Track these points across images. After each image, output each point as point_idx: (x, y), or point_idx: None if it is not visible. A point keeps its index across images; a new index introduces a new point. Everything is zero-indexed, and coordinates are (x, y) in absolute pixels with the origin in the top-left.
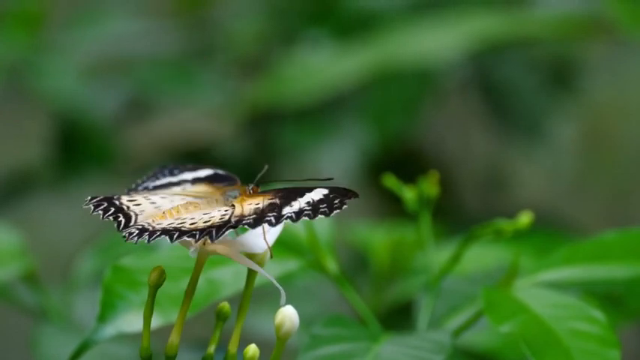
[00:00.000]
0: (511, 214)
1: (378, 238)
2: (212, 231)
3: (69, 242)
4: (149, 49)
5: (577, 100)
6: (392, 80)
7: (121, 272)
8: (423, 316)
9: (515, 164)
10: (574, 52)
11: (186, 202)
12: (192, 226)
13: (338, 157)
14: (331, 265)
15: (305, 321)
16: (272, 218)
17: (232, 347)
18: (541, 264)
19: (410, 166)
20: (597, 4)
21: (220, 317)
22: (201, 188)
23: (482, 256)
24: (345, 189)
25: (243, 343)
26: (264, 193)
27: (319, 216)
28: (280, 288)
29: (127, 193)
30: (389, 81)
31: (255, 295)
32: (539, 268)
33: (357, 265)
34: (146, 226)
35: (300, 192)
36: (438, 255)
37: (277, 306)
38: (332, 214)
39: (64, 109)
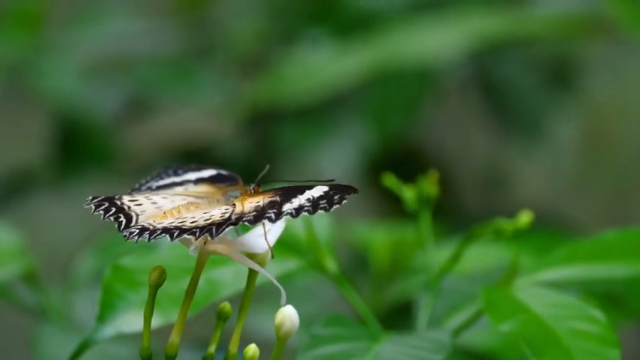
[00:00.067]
0: (511, 214)
1: (378, 237)
2: (212, 228)
3: (69, 242)
4: (149, 49)
5: (577, 99)
6: (392, 79)
7: (121, 272)
8: (422, 316)
9: (515, 163)
10: (574, 51)
11: (188, 202)
12: (193, 225)
13: (338, 156)
14: (331, 264)
15: (305, 321)
16: (272, 214)
17: (233, 347)
18: (541, 263)
19: (410, 166)
20: (597, 4)
21: (221, 317)
22: (202, 188)
23: (482, 256)
24: (345, 185)
25: (244, 342)
26: (264, 192)
27: (319, 211)
28: (281, 288)
29: (130, 193)
30: (389, 80)
31: (255, 295)
32: (539, 267)
33: (356, 265)
34: (147, 225)
35: (301, 190)
36: (438, 254)
37: (277, 306)
38: (332, 209)
39: (64, 108)
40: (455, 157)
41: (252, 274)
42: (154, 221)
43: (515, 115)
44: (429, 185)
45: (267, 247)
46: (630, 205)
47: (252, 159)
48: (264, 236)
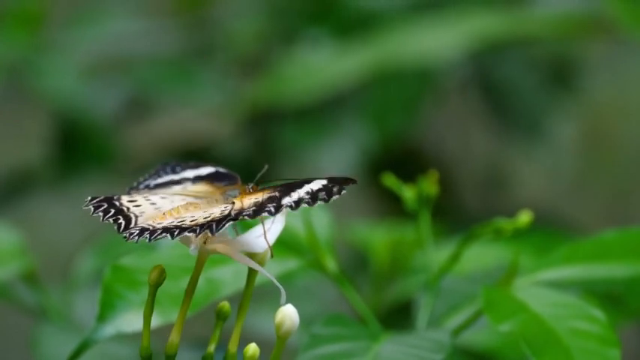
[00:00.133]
0: (511, 214)
1: (378, 237)
2: (212, 224)
3: (69, 241)
4: (149, 49)
5: (577, 99)
6: (392, 79)
7: (121, 272)
8: (422, 316)
9: (515, 163)
10: (574, 51)
11: (187, 203)
12: (193, 223)
13: (338, 156)
14: (331, 264)
15: (305, 320)
16: (271, 208)
17: (232, 346)
18: (541, 263)
19: (410, 166)
20: (597, 4)
21: (220, 316)
22: (201, 188)
23: (481, 256)
24: (343, 177)
25: (243, 342)
26: (263, 189)
27: (319, 202)
28: (280, 287)
29: (128, 192)
30: (389, 80)
31: (255, 295)
32: (539, 267)
33: (356, 265)
34: (146, 226)
35: (300, 184)
36: (438, 254)
37: (277, 305)
38: (331, 200)
39: (64, 108)
40: (455, 157)
41: (251, 273)
42: (154, 222)
43: (515, 115)
44: (429, 185)
45: (266, 246)
46: (630, 205)
47: (252, 159)
48: (263, 235)
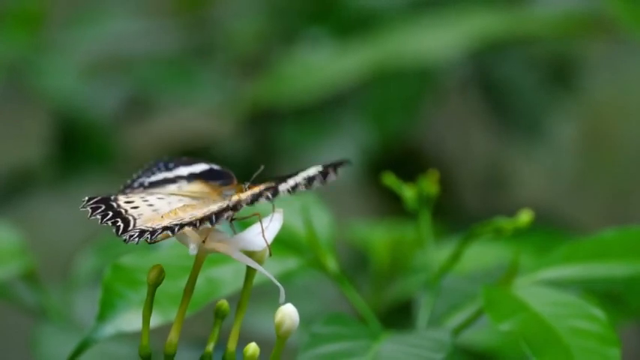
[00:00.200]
0: (511, 213)
1: (378, 236)
2: (212, 216)
3: (69, 241)
4: (149, 48)
5: (577, 98)
6: (392, 79)
7: (121, 271)
8: (422, 315)
9: (515, 163)
10: (574, 50)
11: (184, 205)
12: (192, 219)
13: (338, 155)
14: (331, 263)
15: (305, 320)
16: (269, 193)
17: (231, 345)
18: (541, 262)
19: (410, 165)
20: (597, 3)
21: (219, 315)
22: (197, 187)
23: (482, 255)
24: (337, 161)
25: (243, 341)
26: (260, 184)
27: (314, 185)
28: (279, 286)
29: (123, 191)
30: (389, 80)
31: (255, 294)
32: (539, 266)
33: (356, 264)
34: (145, 228)
35: (295, 173)
36: (438, 253)
37: (277, 304)
38: (326, 181)
39: (64, 108)
40: (455, 156)
41: (250, 271)
42: (152, 224)
43: (515, 115)
44: (429, 184)
45: (265, 244)
46: (630, 205)
47: (252, 158)
48: (261, 234)
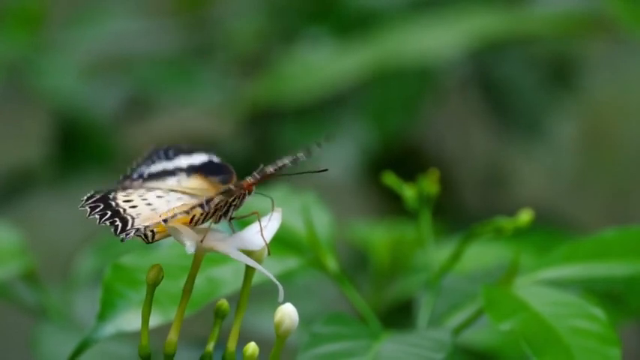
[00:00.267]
0: (511, 212)
1: (378, 236)
2: (203, 202)
3: (69, 241)
4: (149, 48)
5: (577, 98)
6: (392, 78)
7: (121, 271)
8: (423, 315)
9: (515, 162)
10: (574, 50)
11: (182, 204)
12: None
13: (338, 155)
14: (331, 263)
15: (305, 319)
16: (257, 175)
17: (231, 345)
18: (541, 262)
19: (410, 164)
20: (597, 2)
21: (219, 315)
22: (196, 183)
23: (482, 254)
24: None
25: (243, 341)
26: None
27: (301, 159)
28: (279, 285)
29: (122, 181)
30: (389, 79)
31: (255, 294)
32: (540, 266)
33: (357, 264)
34: (142, 229)
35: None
36: (438, 253)
37: (277, 304)
38: (312, 155)
39: (64, 107)
40: (455, 155)
41: (249, 271)
42: (151, 223)
43: (515, 114)
44: (429, 184)
45: (263, 243)
46: (630, 204)
47: (253, 158)
48: (260, 233)
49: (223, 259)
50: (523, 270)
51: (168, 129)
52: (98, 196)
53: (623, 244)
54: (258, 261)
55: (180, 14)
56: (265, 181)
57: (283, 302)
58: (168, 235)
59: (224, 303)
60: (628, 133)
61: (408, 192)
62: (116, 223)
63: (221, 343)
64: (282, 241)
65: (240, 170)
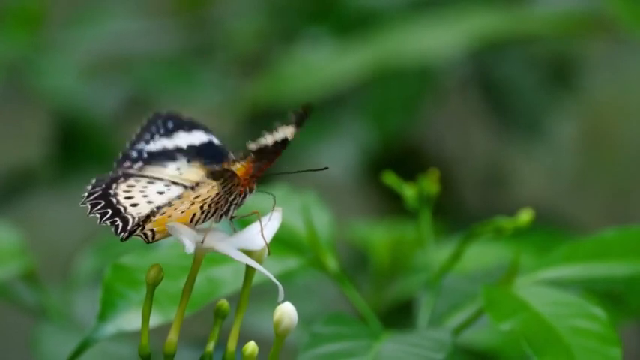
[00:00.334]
0: (511, 212)
1: (378, 236)
2: (193, 184)
3: (69, 241)
4: (149, 48)
5: (577, 98)
6: (392, 78)
7: (121, 270)
8: (423, 314)
9: (515, 162)
10: (574, 49)
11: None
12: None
13: (338, 155)
14: (331, 263)
15: (305, 319)
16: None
17: (231, 345)
18: (541, 262)
19: (410, 164)
20: (597, 2)
21: (219, 315)
22: (196, 175)
23: (482, 254)
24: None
25: (243, 340)
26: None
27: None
28: (278, 284)
29: (122, 164)
30: (389, 79)
31: (255, 293)
32: (540, 266)
33: (357, 263)
34: (137, 220)
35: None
36: (439, 253)
37: (276, 303)
38: (302, 125)
39: (64, 107)
40: (455, 155)
41: (249, 271)
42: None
43: (515, 114)
44: (430, 184)
45: (263, 243)
46: (630, 204)
47: None
48: (260, 233)
49: (223, 258)
50: (523, 270)
51: None
52: (100, 192)
53: (623, 244)
54: (259, 261)
55: (180, 14)
56: (255, 158)
57: (283, 302)
58: (169, 235)
59: (224, 303)
60: (628, 133)
61: (408, 192)
62: (117, 223)
63: (221, 342)
64: (282, 241)
65: None
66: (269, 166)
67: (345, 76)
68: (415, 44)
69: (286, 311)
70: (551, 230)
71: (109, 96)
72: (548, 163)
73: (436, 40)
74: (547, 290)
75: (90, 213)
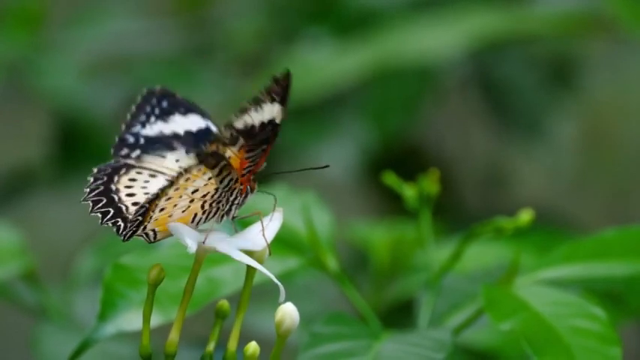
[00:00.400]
0: (511, 212)
1: (379, 235)
2: (182, 170)
3: (69, 241)
4: (149, 48)
5: (577, 98)
6: (392, 78)
7: (122, 270)
8: (423, 314)
9: (515, 162)
10: (574, 49)
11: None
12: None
13: (338, 155)
14: (332, 262)
15: (305, 319)
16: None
17: (232, 345)
18: (541, 262)
19: (410, 164)
20: (597, 2)
21: (219, 315)
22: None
23: (482, 254)
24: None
25: (244, 341)
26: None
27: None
28: (280, 285)
29: (119, 147)
30: (389, 79)
31: (255, 294)
32: (540, 265)
33: (357, 263)
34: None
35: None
36: (439, 253)
37: (277, 304)
38: (286, 100)
39: (64, 107)
40: (455, 155)
41: (250, 271)
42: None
43: (516, 114)
44: (430, 183)
45: (264, 243)
46: (630, 204)
47: None
48: (261, 233)
49: (224, 259)
50: (523, 270)
51: None
52: (102, 187)
53: (623, 244)
54: (260, 261)
55: (180, 14)
56: (245, 143)
57: (284, 302)
58: (170, 235)
59: (225, 303)
60: (628, 133)
61: (408, 192)
62: (118, 223)
63: (222, 343)
64: (282, 241)
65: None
66: (264, 158)
67: (345, 76)
68: (415, 44)
69: (288, 312)
70: (552, 230)
71: (109, 96)
72: (548, 163)
73: (436, 40)
74: (547, 290)
75: (91, 211)
